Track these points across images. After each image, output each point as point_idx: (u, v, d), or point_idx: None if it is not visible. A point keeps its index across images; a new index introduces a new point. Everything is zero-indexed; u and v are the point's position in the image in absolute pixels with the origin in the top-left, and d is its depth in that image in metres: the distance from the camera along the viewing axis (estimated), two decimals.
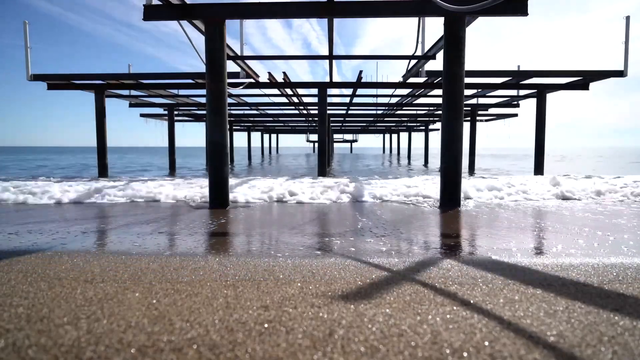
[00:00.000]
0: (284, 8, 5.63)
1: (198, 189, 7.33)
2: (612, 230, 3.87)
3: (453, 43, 5.60)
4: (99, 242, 3.54)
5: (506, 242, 3.41)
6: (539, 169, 12.17)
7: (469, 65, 6.34)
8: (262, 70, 24.99)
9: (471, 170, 16.07)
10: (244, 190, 7.03)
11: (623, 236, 3.60)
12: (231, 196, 6.17)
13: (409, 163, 24.27)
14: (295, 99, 13.77)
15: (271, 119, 22.16)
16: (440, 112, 17.40)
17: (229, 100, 13.19)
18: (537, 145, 12.26)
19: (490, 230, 4.03)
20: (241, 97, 13.67)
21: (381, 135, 44.72)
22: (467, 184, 7.09)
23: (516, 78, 10.39)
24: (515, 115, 17.80)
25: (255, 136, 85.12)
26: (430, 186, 7.41)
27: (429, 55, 7.68)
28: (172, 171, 16.01)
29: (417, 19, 7.12)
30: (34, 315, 1.81)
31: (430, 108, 16.58)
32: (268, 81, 10.58)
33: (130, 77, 9.93)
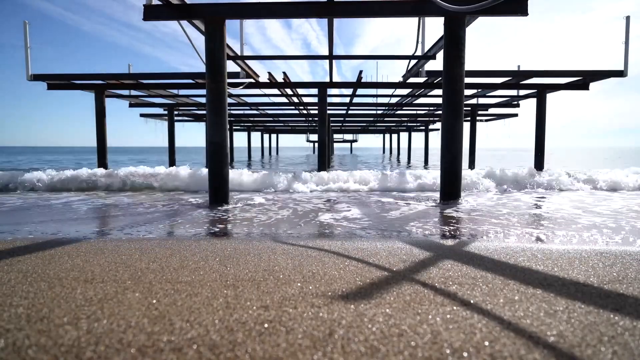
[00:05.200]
0: (283, 8, 5.63)
1: None
2: None
3: (453, 43, 5.60)
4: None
5: (506, 237, 3.42)
6: (539, 169, 12.17)
7: (469, 65, 6.35)
8: (262, 70, 25.01)
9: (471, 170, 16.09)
10: None
11: None
12: None
13: (409, 162, 24.28)
14: (295, 99, 13.77)
15: (271, 119, 22.16)
16: (440, 112, 17.40)
17: (229, 100, 13.19)
18: (537, 145, 12.27)
19: (490, 226, 4.03)
20: (241, 97, 13.67)
21: (381, 135, 44.71)
22: None
23: (516, 78, 10.40)
24: (515, 115, 17.80)
25: (255, 136, 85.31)
26: None
27: (429, 55, 7.68)
28: None
29: (417, 19, 7.13)
30: (34, 315, 1.81)
31: (430, 108, 16.58)
32: (268, 81, 10.58)
33: (130, 77, 9.94)
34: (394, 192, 7.77)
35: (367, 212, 5.34)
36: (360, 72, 10.03)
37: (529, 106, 20.35)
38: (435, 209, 5.60)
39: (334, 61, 9.17)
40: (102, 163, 11.74)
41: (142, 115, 17.69)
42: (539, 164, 12.21)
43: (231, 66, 7.68)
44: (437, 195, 6.65)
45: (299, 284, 2.24)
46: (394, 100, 14.27)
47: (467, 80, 9.69)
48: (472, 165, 16.46)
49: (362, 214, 5.18)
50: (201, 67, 6.56)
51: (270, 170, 15.31)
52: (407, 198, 6.82)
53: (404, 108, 16.54)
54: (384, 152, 47.38)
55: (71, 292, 2.13)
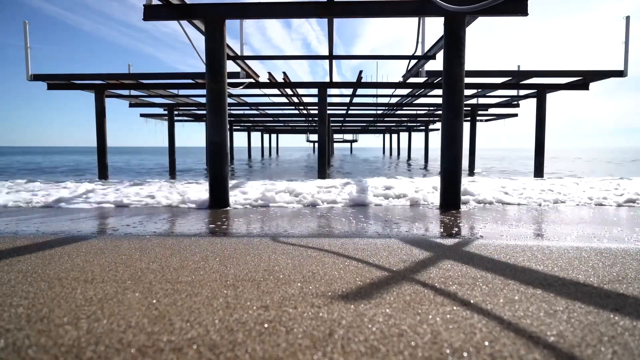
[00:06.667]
0: (284, 8, 5.63)
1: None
2: None
3: (453, 43, 5.60)
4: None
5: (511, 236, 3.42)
6: (539, 169, 12.16)
7: (469, 65, 6.34)
8: (262, 70, 25.01)
9: (471, 171, 16.07)
10: None
11: None
12: None
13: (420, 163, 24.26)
14: (295, 99, 13.77)
15: (271, 119, 22.16)
16: (440, 112, 17.40)
17: (229, 100, 13.19)
18: (537, 146, 12.25)
19: (490, 226, 4.03)
20: (241, 97, 13.67)
21: (381, 135, 44.74)
22: None
23: (516, 78, 10.40)
24: (515, 115, 17.81)
25: (255, 136, 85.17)
26: None
27: (429, 55, 7.68)
28: (172, 170, 16.01)
29: (417, 19, 7.13)
30: (34, 315, 1.81)
31: (430, 108, 16.58)
32: (268, 81, 10.58)
33: (130, 77, 9.93)
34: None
35: (367, 212, 5.33)
36: (360, 72, 10.03)
37: (529, 106, 20.38)
38: (435, 209, 5.60)
39: (334, 61, 9.17)
40: (102, 163, 11.74)
41: (142, 115, 17.69)
42: (539, 165, 12.18)
43: (231, 66, 7.68)
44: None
45: (299, 284, 2.24)
46: (394, 100, 14.27)
47: (467, 80, 9.71)
48: (472, 166, 16.46)
49: (362, 214, 5.18)
50: (201, 67, 6.56)
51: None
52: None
53: (404, 108, 16.54)
54: (384, 152, 47.33)
55: (71, 292, 2.13)
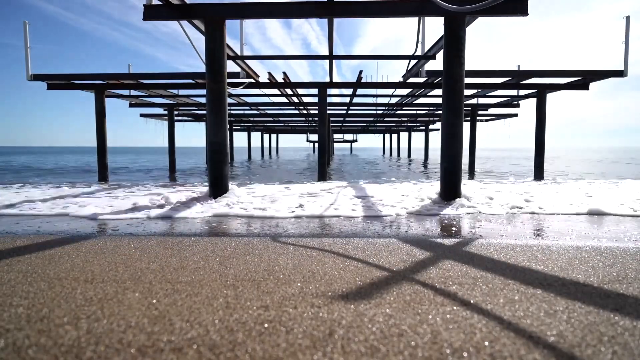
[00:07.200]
0: (284, 8, 5.64)
1: None
2: None
3: (453, 43, 5.60)
4: None
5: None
6: (539, 169, 12.15)
7: (469, 65, 6.35)
8: (262, 70, 25.01)
9: (471, 171, 16.06)
10: None
11: None
12: None
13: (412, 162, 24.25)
14: (295, 99, 13.77)
15: (271, 119, 22.17)
16: (440, 112, 17.40)
17: (229, 100, 13.19)
18: (537, 146, 12.24)
19: (490, 226, 4.03)
20: (241, 97, 13.67)
21: (381, 135, 44.75)
22: None
23: (516, 78, 10.40)
24: (516, 115, 17.81)
25: (255, 136, 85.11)
26: None
27: (429, 55, 7.68)
28: (172, 171, 16.02)
29: (417, 19, 7.13)
30: (34, 315, 1.81)
31: (430, 108, 16.58)
32: (268, 81, 10.59)
33: (130, 77, 9.93)
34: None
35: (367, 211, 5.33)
36: (360, 72, 10.03)
37: (529, 106, 20.40)
38: (435, 209, 5.60)
39: (334, 61, 9.18)
40: (102, 163, 11.74)
41: (142, 115, 17.69)
42: (539, 166, 12.16)
43: (231, 66, 7.68)
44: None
45: (299, 284, 2.24)
46: (394, 100, 14.27)
47: (467, 80, 9.72)
48: (472, 167, 16.45)
49: (362, 214, 5.18)
50: (201, 67, 6.57)
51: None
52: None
53: (404, 108, 16.54)
54: (384, 152, 47.32)
55: (71, 292, 2.13)
